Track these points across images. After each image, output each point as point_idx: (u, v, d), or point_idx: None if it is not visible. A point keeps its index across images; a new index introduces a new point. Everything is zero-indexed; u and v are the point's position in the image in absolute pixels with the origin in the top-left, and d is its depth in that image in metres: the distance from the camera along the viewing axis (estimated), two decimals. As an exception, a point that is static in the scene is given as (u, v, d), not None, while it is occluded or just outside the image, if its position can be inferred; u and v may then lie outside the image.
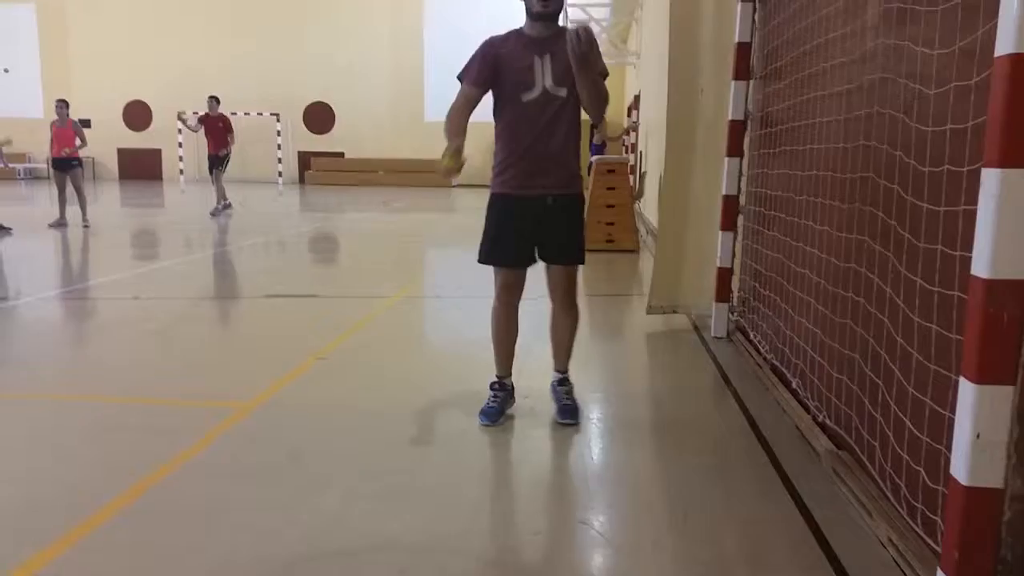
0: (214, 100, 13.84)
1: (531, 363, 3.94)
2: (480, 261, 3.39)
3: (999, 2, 1.67)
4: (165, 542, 2.34)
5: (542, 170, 3.23)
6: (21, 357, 4.53)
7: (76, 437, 3.23)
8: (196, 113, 14.58)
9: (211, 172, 13.90)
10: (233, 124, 14.01)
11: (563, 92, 3.18)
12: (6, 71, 13.73)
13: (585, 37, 2.97)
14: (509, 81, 3.19)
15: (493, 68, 3.19)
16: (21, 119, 26.99)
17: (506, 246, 3.31)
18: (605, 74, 3.23)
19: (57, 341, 5.03)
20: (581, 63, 3.05)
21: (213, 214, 13.57)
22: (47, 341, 4.97)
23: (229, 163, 13.99)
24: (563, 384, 3.53)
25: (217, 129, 13.64)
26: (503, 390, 3.47)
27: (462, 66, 3.26)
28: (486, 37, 3.27)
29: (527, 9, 3.18)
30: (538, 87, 3.17)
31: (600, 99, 3.19)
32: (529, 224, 3.28)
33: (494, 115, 3.29)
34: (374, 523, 2.48)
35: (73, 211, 11.55)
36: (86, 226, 11.26)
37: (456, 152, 3.06)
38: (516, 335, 3.49)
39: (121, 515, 2.51)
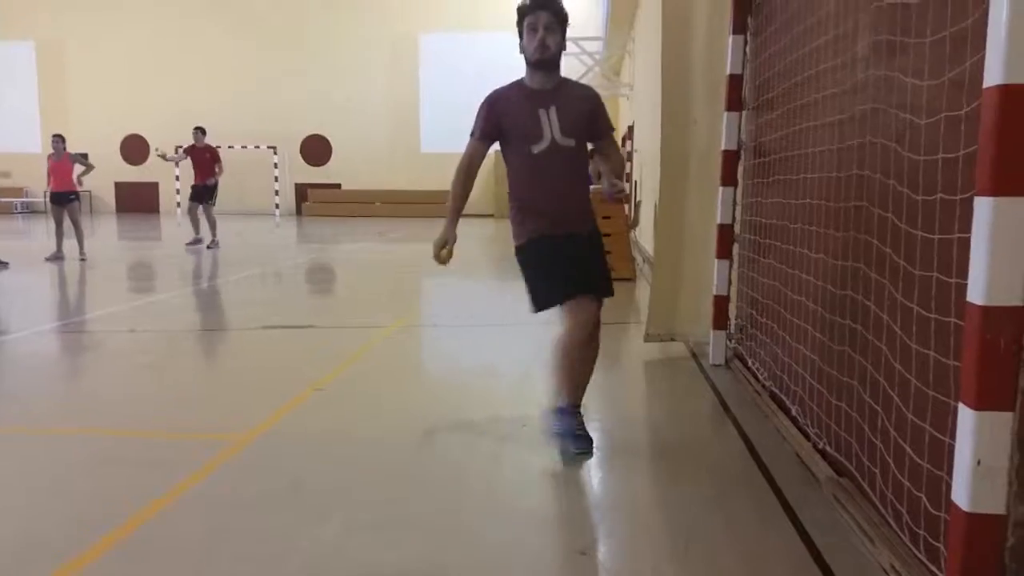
0: (200, 131, 13.60)
1: (529, 389, 3.94)
2: (536, 310, 3.35)
3: (986, 34, 1.70)
4: (165, 573, 2.33)
5: (563, 215, 3.32)
6: (17, 390, 4.51)
7: (73, 470, 3.21)
8: (180, 147, 14.29)
9: (193, 202, 13.56)
10: (221, 155, 13.80)
11: (571, 143, 3.25)
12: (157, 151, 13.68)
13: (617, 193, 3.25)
14: (516, 135, 3.26)
15: (498, 125, 3.27)
16: (19, 154, 27.13)
17: (559, 284, 3.30)
18: (611, 128, 3.42)
19: (53, 374, 5.01)
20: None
21: (211, 247, 13.26)
22: (43, 375, 4.95)
23: (217, 194, 13.75)
24: (575, 416, 3.44)
25: (204, 160, 13.39)
26: (579, 414, 3.40)
27: (474, 123, 3.34)
28: (480, 83, 3.35)
29: (526, 59, 3.24)
30: (546, 139, 3.22)
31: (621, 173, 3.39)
32: (572, 257, 3.32)
33: (504, 160, 3.36)
34: (373, 553, 2.46)
35: (70, 244, 11.55)
36: (83, 259, 11.24)
37: (447, 246, 3.27)
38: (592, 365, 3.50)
39: (119, 548, 2.49)
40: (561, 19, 3.20)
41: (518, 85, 3.30)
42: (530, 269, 3.35)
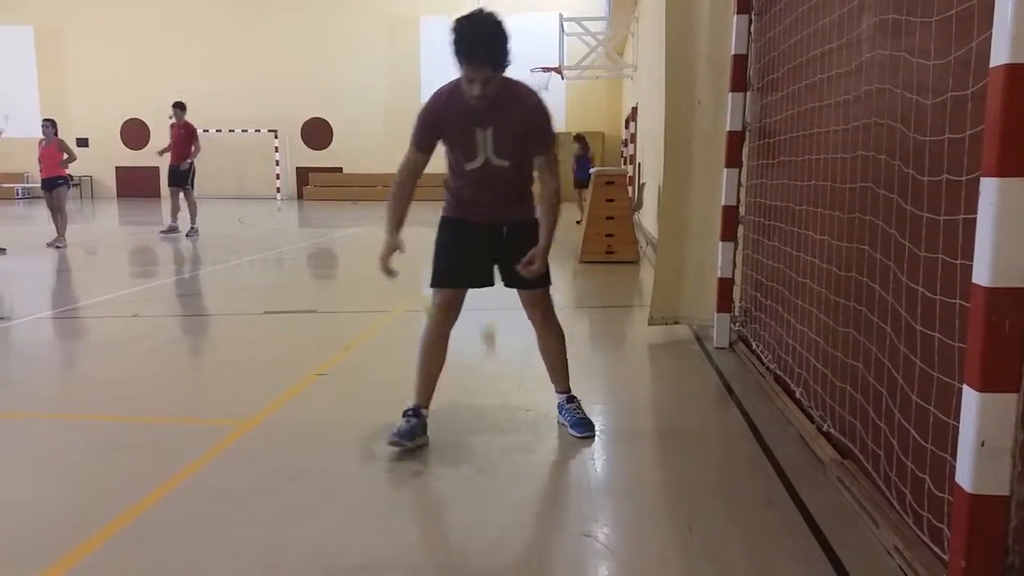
0: (178, 107, 12.59)
1: (532, 376, 3.94)
2: (432, 286, 3.32)
3: (993, 13, 1.68)
4: (167, 561, 2.34)
5: (488, 207, 3.23)
6: (20, 376, 4.53)
7: (76, 457, 3.22)
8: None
9: (172, 187, 12.72)
10: (199, 134, 12.93)
11: (505, 163, 3.13)
12: (6, 117, 13.03)
13: (535, 272, 3.11)
14: (451, 148, 3.17)
15: (436, 134, 3.13)
16: (18, 139, 27.07)
17: (452, 269, 3.28)
18: (551, 147, 3.17)
19: (56, 360, 5.03)
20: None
21: (189, 235, 12.57)
22: (46, 360, 4.96)
23: (195, 176, 12.84)
24: (571, 402, 3.50)
25: (179, 137, 12.43)
26: (416, 417, 3.26)
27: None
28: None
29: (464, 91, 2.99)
30: (480, 158, 3.12)
31: (559, 206, 3.22)
32: (485, 248, 3.26)
33: (447, 161, 3.25)
34: (377, 540, 2.47)
35: (72, 228, 11.44)
36: (60, 246, 10.99)
37: (388, 254, 3.14)
38: (443, 363, 3.37)
39: (123, 534, 2.50)
40: (499, 65, 2.91)
41: (458, 94, 3.04)
42: (438, 245, 3.34)
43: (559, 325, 3.47)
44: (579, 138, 15.03)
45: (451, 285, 3.30)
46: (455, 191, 3.29)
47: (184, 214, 12.94)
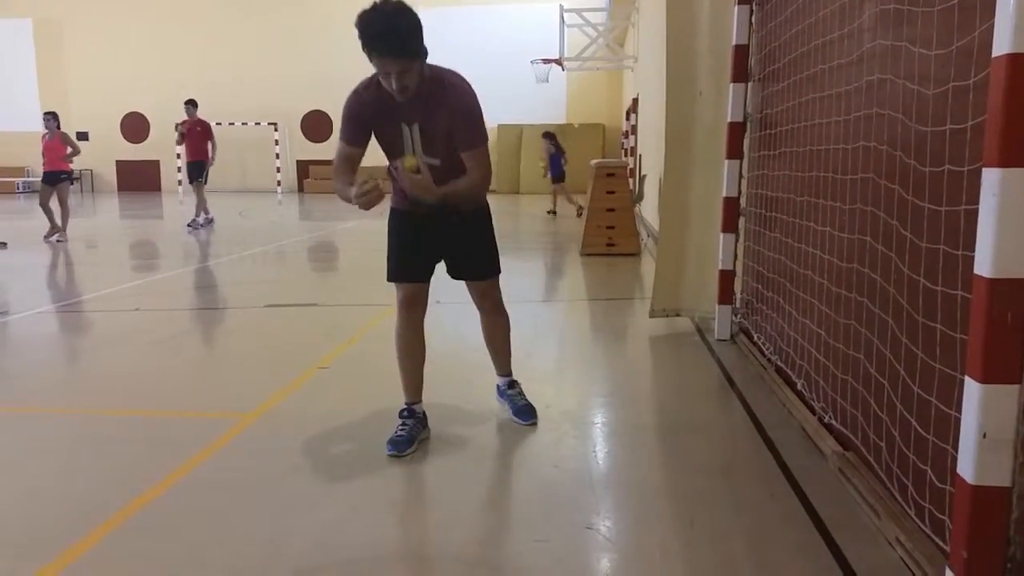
0: (191, 104, 12.92)
1: (531, 367, 3.94)
2: (388, 280, 3.25)
3: (996, 2, 1.67)
4: (169, 554, 2.34)
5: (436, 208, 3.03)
6: (21, 370, 4.53)
7: (76, 450, 3.22)
8: (178, 125, 13.60)
9: (192, 182, 13.12)
10: (216, 131, 13.29)
11: (436, 161, 2.99)
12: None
13: (413, 197, 2.90)
14: (382, 145, 3.05)
15: (364, 130, 3.00)
16: (18, 132, 27.06)
17: (408, 261, 3.21)
18: (479, 142, 2.98)
19: (57, 354, 5.03)
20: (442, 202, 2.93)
21: (191, 226, 12.95)
22: (47, 354, 4.97)
23: (208, 172, 13.11)
24: (512, 387, 3.51)
25: (195, 134, 12.80)
26: (412, 417, 3.23)
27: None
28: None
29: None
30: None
31: (476, 196, 3.08)
32: (431, 238, 3.17)
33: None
34: (378, 532, 2.47)
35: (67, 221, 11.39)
36: (61, 240, 11.01)
37: (359, 185, 2.81)
38: (423, 356, 3.31)
39: (124, 528, 2.50)
40: (415, 54, 2.76)
41: (379, 89, 2.90)
42: (389, 237, 3.25)
43: (506, 312, 3.47)
44: (549, 135, 15.16)
45: (408, 279, 3.22)
46: (395, 187, 3.16)
47: (208, 206, 13.46)
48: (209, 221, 13.40)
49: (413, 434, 3.17)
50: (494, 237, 3.33)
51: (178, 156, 24.59)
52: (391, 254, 3.24)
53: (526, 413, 3.41)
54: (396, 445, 3.09)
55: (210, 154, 13.01)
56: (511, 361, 3.55)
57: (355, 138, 3.01)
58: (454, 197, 2.98)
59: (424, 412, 3.30)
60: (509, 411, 3.46)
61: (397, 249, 3.23)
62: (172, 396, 3.95)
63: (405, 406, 3.27)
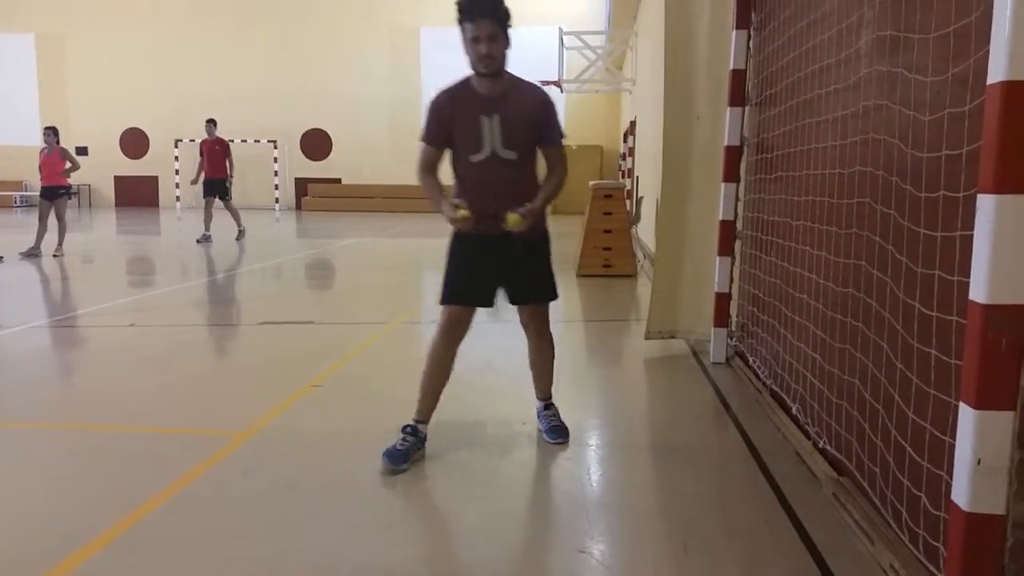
0: (211, 123, 13.68)
1: (529, 387, 3.92)
2: (442, 303, 3.28)
3: (991, 30, 1.69)
4: (161, 572, 2.32)
5: (501, 219, 3.09)
6: (16, 385, 4.50)
7: (69, 466, 3.20)
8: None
9: (207, 197, 13.52)
10: (232, 149, 13.83)
11: (513, 155, 3.10)
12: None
13: (525, 234, 3.06)
14: (458, 141, 3.13)
15: (446, 127, 3.12)
16: (18, 147, 27.10)
17: (466, 285, 3.26)
18: (560, 138, 3.22)
19: (52, 369, 5.00)
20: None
21: (238, 238, 13.64)
22: (41, 369, 4.94)
23: (231, 188, 13.80)
24: (549, 408, 3.57)
25: (215, 152, 13.41)
26: (415, 435, 3.24)
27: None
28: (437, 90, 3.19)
29: (471, 66, 3.06)
30: (486, 149, 3.09)
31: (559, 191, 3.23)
32: (496, 263, 3.23)
33: (451, 166, 3.23)
34: (373, 552, 2.45)
35: (49, 238, 11.27)
36: (57, 255, 10.94)
37: (454, 207, 2.98)
38: (447, 379, 3.35)
39: (116, 545, 2.48)
40: (504, 23, 2.99)
41: (465, 87, 3.12)
42: (449, 263, 3.29)
43: (551, 336, 3.52)
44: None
45: (460, 303, 3.26)
46: (467, 205, 3.16)
47: (228, 222, 13.97)
48: (207, 238, 13.46)
49: (411, 451, 3.18)
50: (550, 263, 3.40)
51: (176, 172, 24.71)
52: (450, 277, 3.26)
53: (555, 432, 3.45)
54: (392, 457, 3.10)
55: (228, 171, 13.60)
56: (552, 386, 3.58)
57: (436, 137, 3.14)
58: (552, 199, 3.15)
59: (426, 434, 3.30)
60: (543, 430, 3.51)
61: (457, 272, 3.26)
62: (166, 413, 3.92)
63: (412, 423, 3.28)
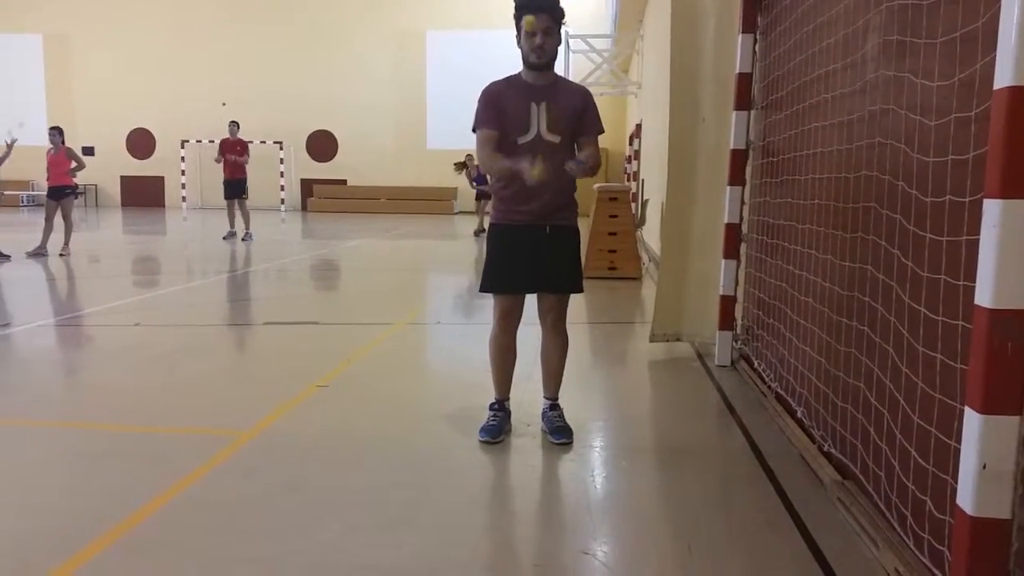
0: (234, 125, 14.15)
1: (532, 391, 3.93)
2: (482, 290, 3.50)
3: (997, 35, 1.69)
4: (165, 572, 2.33)
5: (539, 202, 3.36)
6: (21, 383, 4.52)
7: (73, 465, 3.21)
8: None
9: (230, 199, 13.97)
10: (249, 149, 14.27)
11: (556, 139, 3.34)
12: (21, 124, 12.99)
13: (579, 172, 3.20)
14: (507, 125, 3.34)
15: (498, 110, 3.35)
16: (25, 146, 27.16)
17: (508, 274, 3.44)
18: (600, 131, 3.48)
19: (57, 368, 5.02)
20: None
21: (245, 239, 13.79)
22: (46, 368, 4.96)
23: (247, 188, 14.20)
24: (554, 409, 3.59)
25: (237, 153, 13.86)
26: (502, 410, 3.58)
27: (473, 118, 3.40)
28: (488, 82, 3.43)
29: (523, 58, 3.33)
30: (532, 131, 3.33)
31: (596, 167, 3.34)
32: (528, 252, 3.40)
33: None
34: (375, 553, 2.46)
35: (56, 238, 11.31)
36: (64, 254, 10.96)
37: (531, 163, 3.11)
38: (515, 359, 3.60)
39: (119, 545, 2.49)
40: (558, 20, 3.28)
41: (516, 79, 3.40)
42: (489, 252, 3.51)
43: (567, 334, 3.59)
44: (470, 157, 15.21)
45: (507, 291, 3.45)
46: (501, 185, 3.42)
47: (234, 221, 14.15)
48: (232, 235, 13.98)
49: (502, 425, 3.52)
50: (579, 257, 3.55)
51: (183, 172, 24.78)
52: (489, 267, 3.49)
53: (560, 432, 3.48)
54: (489, 432, 3.46)
55: (244, 158, 14.01)
56: (560, 386, 3.63)
57: (491, 120, 3.35)
58: (584, 168, 3.23)
59: (510, 409, 3.62)
60: (547, 430, 3.55)
61: (497, 262, 3.47)
62: (170, 412, 3.94)
63: (496, 400, 3.60)
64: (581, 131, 3.42)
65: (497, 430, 3.47)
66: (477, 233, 15.28)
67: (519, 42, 3.30)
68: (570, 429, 3.51)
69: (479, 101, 3.39)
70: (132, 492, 2.88)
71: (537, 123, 3.32)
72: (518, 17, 3.25)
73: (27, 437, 3.58)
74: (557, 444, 3.43)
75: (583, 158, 3.27)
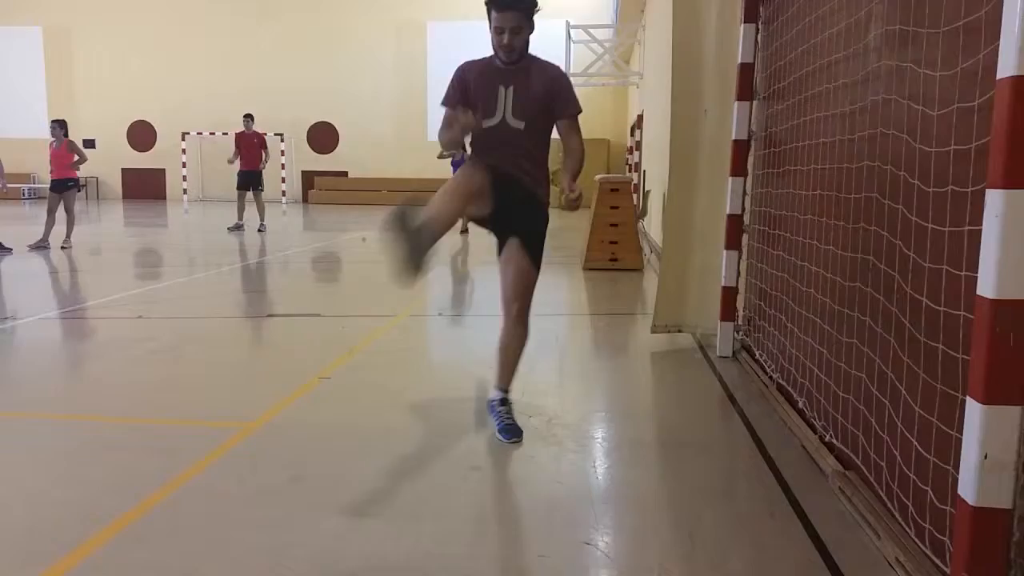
0: (248, 118, 14.18)
1: (535, 381, 3.94)
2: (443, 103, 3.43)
3: (1000, 24, 1.68)
4: (168, 564, 2.34)
5: (510, 167, 3.29)
6: (23, 376, 4.54)
7: (78, 456, 3.22)
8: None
9: (243, 190, 14.10)
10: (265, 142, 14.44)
11: (520, 125, 3.28)
12: (364, 240, 13.08)
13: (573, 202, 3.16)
14: (475, 106, 3.31)
15: (463, 91, 3.34)
16: (26, 139, 27.18)
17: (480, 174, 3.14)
18: (576, 112, 3.38)
19: (59, 360, 5.03)
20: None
21: (260, 230, 14.07)
22: (48, 360, 4.97)
23: (263, 179, 14.38)
24: (504, 404, 3.51)
25: (252, 146, 14.00)
26: (503, 404, 3.50)
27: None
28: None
29: (494, 50, 3.29)
30: (498, 115, 3.30)
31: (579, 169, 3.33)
32: (498, 191, 3.16)
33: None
34: (378, 545, 2.47)
35: (58, 230, 11.35)
36: (65, 247, 10.99)
37: (463, 124, 3.11)
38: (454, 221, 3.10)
39: (124, 536, 2.50)
40: (529, 15, 3.21)
41: (488, 60, 3.37)
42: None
43: (528, 325, 3.48)
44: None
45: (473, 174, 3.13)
46: (474, 147, 3.42)
47: (252, 213, 14.56)
48: (239, 227, 14.15)
49: (514, 417, 3.45)
50: (544, 232, 3.44)
51: (184, 165, 24.75)
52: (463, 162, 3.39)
53: (510, 432, 3.39)
54: (513, 432, 3.37)
55: (263, 162, 14.29)
56: (513, 378, 3.56)
57: (452, 98, 3.35)
58: (577, 175, 3.26)
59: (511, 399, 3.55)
60: (495, 427, 3.45)
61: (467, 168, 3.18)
62: (174, 404, 3.95)
63: (501, 394, 3.52)
64: (556, 114, 3.35)
65: (518, 427, 3.41)
66: (462, 232, 13.99)
67: (490, 32, 3.26)
68: (519, 428, 3.42)
69: (453, 74, 3.39)
70: (137, 483, 2.89)
71: (503, 108, 3.28)
72: (488, 10, 3.21)
73: (31, 429, 3.59)
74: (508, 443, 3.34)
75: (570, 183, 3.20)
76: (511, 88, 3.26)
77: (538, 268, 3.40)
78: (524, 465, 3.20)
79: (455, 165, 14.70)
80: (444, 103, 3.40)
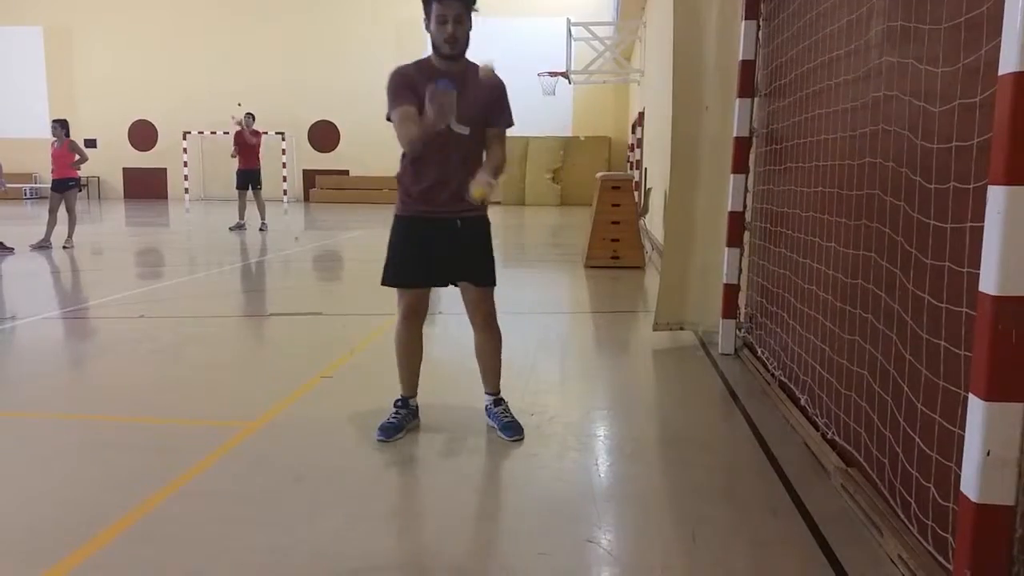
0: (250, 116, 14.10)
1: (536, 378, 3.94)
2: (384, 283, 3.38)
3: (1002, 21, 1.68)
4: (170, 562, 2.34)
5: (442, 199, 3.24)
6: (24, 376, 4.54)
7: (80, 456, 3.23)
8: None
9: (242, 189, 14.04)
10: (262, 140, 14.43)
11: (465, 131, 3.21)
12: (239, 104, 13.33)
13: (482, 196, 3.02)
14: (419, 110, 3.12)
15: (414, 91, 3.11)
16: (27, 139, 27.20)
17: (413, 268, 3.33)
18: (508, 123, 3.33)
19: (61, 360, 5.04)
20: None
21: (262, 229, 14.01)
22: (50, 360, 4.98)
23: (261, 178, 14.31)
24: (498, 404, 3.54)
25: (251, 145, 13.95)
26: (405, 407, 3.50)
27: (388, 105, 3.19)
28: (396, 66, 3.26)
29: (434, 47, 3.20)
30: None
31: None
32: (435, 246, 3.29)
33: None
34: (379, 543, 2.47)
35: (59, 230, 11.35)
36: (67, 247, 10.99)
37: (432, 108, 2.91)
38: (421, 356, 3.54)
39: (125, 535, 2.50)
40: (470, 6, 3.15)
41: (425, 63, 3.25)
42: (391, 245, 3.38)
43: (499, 328, 3.51)
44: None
45: (405, 284, 3.37)
46: (410, 180, 3.29)
47: (252, 212, 14.51)
48: (240, 226, 14.10)
49: (403, 423, 3.44)
50: (492, 249, 3.43)
51: (185, 164, 24.76)
52: (391, 260, 3.37)
53: (511, 429, 3.41)
54: (385, 431, 3.36)
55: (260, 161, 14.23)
56: (500, 380, 3.58)
57: (407, 97, 3.14)
58: (499, 174, 3.22)
59: (417, 405, 3.54)
60: (496, 428, 3.47)
61: (399, 255, 3.35)
62: (175, 403, 3.95)
63: (400, 397, 3.52)
64: (492, 123, 3.29)
65: (395, 428, 3.38)
66: None
67: (428, 26, 3.16)
68: (520, 425, 3.44)
69: (389, 85, 3.18)
70: (139, 483, 2.90)
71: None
72: (427, 2, 3.13)
73: (33, 429, 3.59)
74: (511, 441, 3.36)
75: (490, 171, 3.14)
76: (454, 94, 3.05)
77: (494, 280, 3.43)
78: (526, 463, 3.20)
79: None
80: (397, 106, 3.15)
